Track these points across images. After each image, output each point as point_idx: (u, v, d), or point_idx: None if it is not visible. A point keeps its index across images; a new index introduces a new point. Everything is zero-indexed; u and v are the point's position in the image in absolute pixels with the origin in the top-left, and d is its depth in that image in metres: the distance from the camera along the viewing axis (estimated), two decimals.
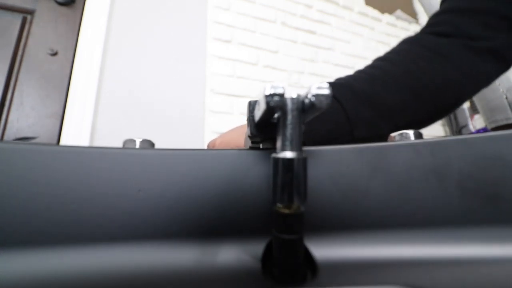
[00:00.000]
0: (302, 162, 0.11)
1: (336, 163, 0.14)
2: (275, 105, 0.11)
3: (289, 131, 0.11)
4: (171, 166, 0.14)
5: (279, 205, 0.11)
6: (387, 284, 0.14)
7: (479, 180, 0.14)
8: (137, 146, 0.15)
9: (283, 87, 0.11)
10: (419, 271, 0.14)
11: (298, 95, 0.12)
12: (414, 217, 0.14)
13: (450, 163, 0.14)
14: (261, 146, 0.15)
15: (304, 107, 0.11)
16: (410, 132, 0.16)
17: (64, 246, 0.12)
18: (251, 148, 0.15)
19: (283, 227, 0.11)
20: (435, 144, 0.15)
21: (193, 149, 0.14)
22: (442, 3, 0.38)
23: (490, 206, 0.14)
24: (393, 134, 0.17)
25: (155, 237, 0.13)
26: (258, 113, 0.13)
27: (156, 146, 0.16)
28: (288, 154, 0.11)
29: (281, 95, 0.11)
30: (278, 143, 0.12)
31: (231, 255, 0.13)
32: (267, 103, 0.11)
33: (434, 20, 0.36)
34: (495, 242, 0.13)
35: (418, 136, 0.16)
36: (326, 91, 0.11)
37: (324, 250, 0.13)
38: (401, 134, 0.16)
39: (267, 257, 0.13)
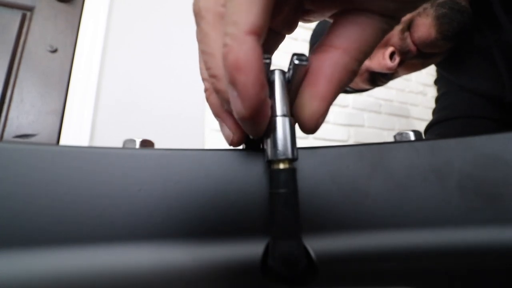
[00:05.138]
0: (290, 122, 0.13)
1: (336, 163, 0.14)
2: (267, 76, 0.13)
3: (278, 97, 0.13)
4: (171, 166, 0.14)
5: (273, 163, 0.13)
6: (387, 284, 0.14)
7: (479, 180, 0.14)
8: (137, 146, 0.15)
9: (269, 56, 0.13)
10: (419, 271, 0.14)
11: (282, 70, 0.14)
12: (414, 217, 0.14)
13: (450, 163, 0.14)
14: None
15: (288, 77, 0.14)
16: (410, 132, 0.16)
17: (64, 246, 0.12)
18: (251, 148, 0.15)
19: (279, 182, 0.13)
20: (435, 144, 0.15)
21: (193, 149, 0.14)
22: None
23: (490, 206, 0.14)
24: (393, 134, 0.17)
25: (155, 236, 0.13)
26: None
27: (156, 145, 0.16)
28: (279, 115, 0.13)
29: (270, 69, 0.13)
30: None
31: (231, 255, 0.13)
32: None
33: None
34: (495, 242, 0.13)
35: (418, 136, 0.16)
36: (304, 61, 0.13)
37: (324, 250, 0.13)
38: (401, 134, 0.16)
39: (267, 257, 0.13)
